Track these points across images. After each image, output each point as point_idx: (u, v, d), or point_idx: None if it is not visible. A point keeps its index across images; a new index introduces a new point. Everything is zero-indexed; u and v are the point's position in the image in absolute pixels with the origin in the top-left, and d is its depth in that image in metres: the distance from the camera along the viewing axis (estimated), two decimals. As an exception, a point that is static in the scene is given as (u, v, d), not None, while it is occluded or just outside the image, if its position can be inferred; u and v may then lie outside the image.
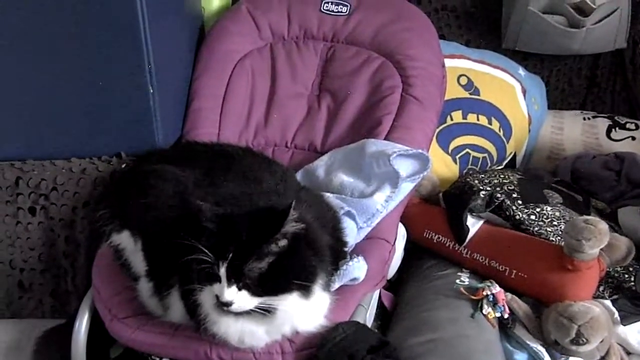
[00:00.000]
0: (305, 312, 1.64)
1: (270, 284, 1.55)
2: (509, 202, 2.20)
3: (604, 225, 1.95)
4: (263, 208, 1.64)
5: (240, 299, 1.54)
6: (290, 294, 1.57)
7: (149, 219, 1.81)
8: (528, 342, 1.94)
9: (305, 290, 1.59)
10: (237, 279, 1.53)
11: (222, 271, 1.52)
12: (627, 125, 2.83)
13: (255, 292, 1.55)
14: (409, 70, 2.38)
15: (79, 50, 2.10)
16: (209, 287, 1.57)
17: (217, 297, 1.55)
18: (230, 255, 1.51)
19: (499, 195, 2.22)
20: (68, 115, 2.20)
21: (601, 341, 1.91)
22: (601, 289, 2.08)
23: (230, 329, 1.62)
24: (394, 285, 2.27)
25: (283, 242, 1.55)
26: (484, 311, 1.95)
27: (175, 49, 2.41)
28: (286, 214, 1.52)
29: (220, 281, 1.54)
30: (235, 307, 1.54)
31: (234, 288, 1.53)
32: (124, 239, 1.89)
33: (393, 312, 2.12)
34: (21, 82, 2.15)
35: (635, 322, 2.01)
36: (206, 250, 1.53)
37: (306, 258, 1.59)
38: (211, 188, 1.83)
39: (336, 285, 1.79)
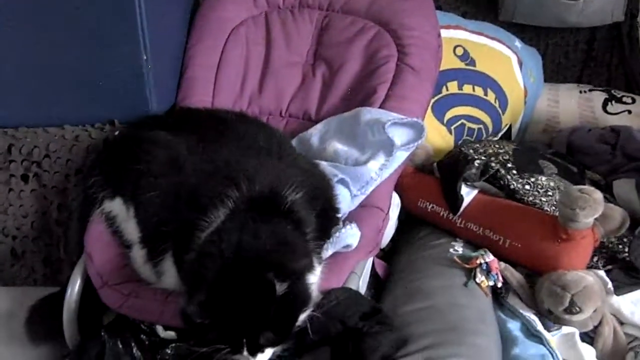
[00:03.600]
0: None
1: (284, 328, 1.53)
2: (503, 172, 2.20)
3: (598, 195, 1.94)
4: (250, 280, 1.51)
5: (266, 356, 1.53)
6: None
7: (142, 186, 1.80)
8: (521, 311, 1.93)
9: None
10: (258, 349, 1.51)
11: (245, 353, 1.50)
12: (624, 99, 2.82)
13: (276, 341, 1.53)
14: (405, 40, 2.37)
15: (71, 18, 2.09)
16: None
17: None
18: (245, 340, 1.48)
19: (493, 164, 2.22)
20: (61, 83, 2.18)
21: (594, 310, 1.91)
22: (595, 259, 2.08)
23: None
24: (388, 255, 2.26)
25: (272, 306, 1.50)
26: (477, 280, 1.94)
27: (169, 16, 2.39)
28: (273, 291, 1.47)
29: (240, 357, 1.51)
30: None
31: (259, 355, 1.51)
32: (117, 206, 1.89)
33: (386, 281, 2.11)
34: (13, 49, 2.13)
35: (629, 292, 2.00)
36: (222, 345, 1.49)
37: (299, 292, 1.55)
38: (205, 154, 1.82)
39: (329, 252, 1.79)
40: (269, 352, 1.52)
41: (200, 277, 1.51)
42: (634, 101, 2.80)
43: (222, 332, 1.48)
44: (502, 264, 2.01)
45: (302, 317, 1.56)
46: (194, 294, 1.47)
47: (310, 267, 1.60)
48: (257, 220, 1.59)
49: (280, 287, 1.46)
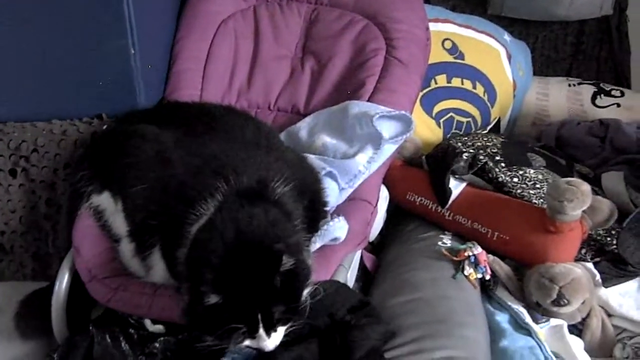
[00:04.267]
0: None
1: (293, 300, 1.53)
2: (491, 165, 2.21)
3: (586, 187, 1.94)
4: (253, 250, 1.51)
5: (279, 336, 1.52)
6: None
7: (130, 179, 1.80)
8: (509, 304, 1.94)
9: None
10: (272, 325, 1.50)
11: (261, 330, 1.48)
12: (612, 92, 2.83)
13: (287, 320, 1.53)
14: (393, 33, 2.37)
15: (59, 12, 2.08)
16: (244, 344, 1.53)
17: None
18: (260, 315, 1.47)
19: (482, 157, 2.22)
20: (49, 77, 2.18)
21: (582, 303, 1.92)
22: (583, 251, 2.08)
23: None
24: (376, 248, 2.27)
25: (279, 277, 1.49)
26: (465, 272, 1.95)
27: (158, 10, 2.39)
28: (279, 260, 1.46)
29: (255, 337, 1.50)
30: (274, 346, 1.53)
31: (272, 334, 1.50)
32: (105, 200, 1.89)
33: (375, 274, 2.12)
34: (1, 44, 2.13)
35: (617, 284, 2.01)
36: (238, 325, 1.47)
37: (302, 265, 1.55)
38: (193, 147, 1.82)
39: (317, 245, 1.80)
40: (281, 331, 1.52)
41: (205, 260, 1.49)
42: (622, 94, 2.82)
43: (236, 309, 1.46)
44: (491, 257, 2.01)
45: (306, 291, 1.55)
46: (202, 275, 1.45)
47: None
48: (248, 208, 1.58)
49: (287, 259, 1.46)
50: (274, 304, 1.47)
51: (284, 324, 1.52)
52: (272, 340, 1.50)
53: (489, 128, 2.71)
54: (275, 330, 1.50)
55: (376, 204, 2.11)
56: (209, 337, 1.51)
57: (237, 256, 1.49)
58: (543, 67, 3.12)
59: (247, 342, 1.50)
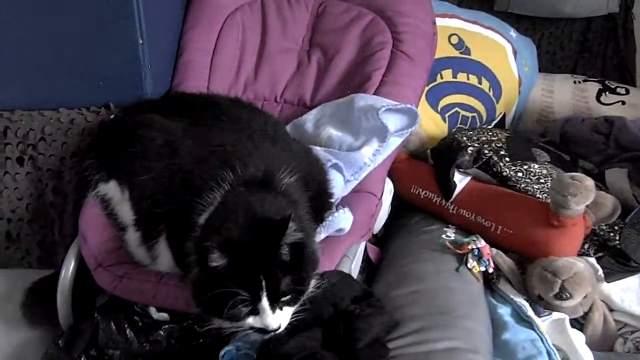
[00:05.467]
0: None
1: (300, 284, 1.53)
2: (496, 159, 2.22)
3: (589, 182, 1.96)
4: (260, 222, 1.52)
5: (284, 317, 1.52)
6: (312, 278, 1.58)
7: (137, 169, 1.81)
8: (512, 297, 1.95)
9: None
10: (277, 300, 1.49)
11: (264, 301, 1.48)
12: (617, 90, 2.83)
13: (294, 300, 1.53)
14: (400, 27, 2.38)
15: (68, 2, 2.09)
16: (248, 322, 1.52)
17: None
18: (264, 282, 1.46)
19: (486, 151, 2.23)
20: (57, 66, 2.19)
21: (585, 297, 1.93)
22: (586, 246, 2.09)
23: None
24: (381, 241, 2.28)
25: (287, 248, 1.50)
26: (468, 265, 1.96)
27: (166, 1, 2.40)
28: (285, 225, 1.46)
29: (259, 313, 1.49)
30: (281, 328, 1.52)
31: (277, 312, 1.50)
32: (111, 189, 1.90)
33: (379, 265, 2.13)
34: (9, 34, 2.14)
35: (619, 279, 2.02)
36: (242, 291, 1.46)
37: (309, 244, 1.58)
38: (200, 137, 1.83)
39: (322, 236, 1.81)
40: (286, 312, 1.52)
41: (214, 228, 1.52)
42: (627, 92, 2.82)
43: (240, 271, 1.45)
44: (494, 250, 2.03)
45: (313, 282, 1.57)
46: (209, 237, 1.46)
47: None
48: (257, 194, 1.60)
49: (294, 231, 1.48)
50: (280, 273, 1.47)
51: (289, 305, 1.52)
52: (276, 318, 1.49)
53: (494, 123, 2.71)
54: (281, 309, 1.50)
55: (381, 197, 2.12)
56: (216, 319, 1.52)
57: (244, 222, 1.50)
58: (548, 63, 3.12)
59: (250, 320, 1.50)
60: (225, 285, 1.44)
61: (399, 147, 2.20)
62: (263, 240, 1.47)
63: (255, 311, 1.48)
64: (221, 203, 1.60)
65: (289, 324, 1.54)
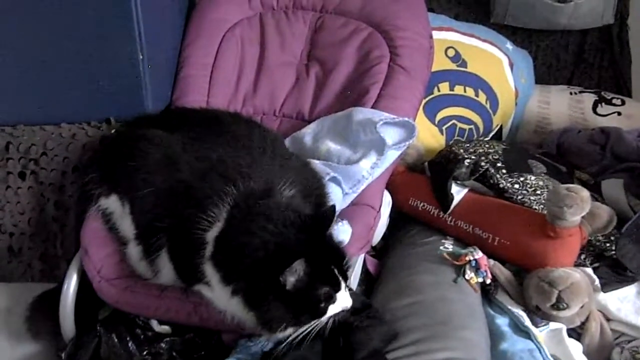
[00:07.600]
0: None
1: (347, 264, 1.60)
2: (493, 171, 2.23)
3: (585, 193, 1.97)
4: (304, 221, 1.60)
5: (348, 298, 1.60)
6: None
7: (138, 183, 1.82)
8: (510, 307, 1.96)
9: None
10: (346, 277, 1.58)
11: (342, 286, 1.56)
12: (613, 101, 2.85)
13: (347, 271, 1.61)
14: (397, 41, 2.40)
15: (69, 16, 2.10)
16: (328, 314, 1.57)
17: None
18: (336, 270, 1.55)
19: (483, 163, 2.24)
20: (58, 81, 2.20)
21: (581, 307, 1.94)
22: (582, 257, 2.10)
23: None
24: (379, 253, 2.29)
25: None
26: (466, 276, 1.98)
27: (166, 17, 2.41)
28: (333, 212, 1.59)
29: (336, 300, 1.57)
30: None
31: (342, 291, 1.58)
32: (112, 203, 1.91)
33: (377, 277, 2.14)
34: (11, 48, 2.15)
35: (615, 289, 2.04)
36: (326, 288, 1.54)
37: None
38: (200, 152, 1.84)
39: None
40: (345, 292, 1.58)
41: (263, 244, 1.55)
42: (623, 103, 2.84)
43: (317, 275, 1.52)
44: (491, 261, 2.04)
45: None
46: (277, 269, 1.49)
47: None
48: (267, 205, 1.64)
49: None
50: (339, 257, 1.57)
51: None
52: (349, 296, 1.57)
53: (490, 135, 2.73)
54: (346, 287, 1.57)
55: (379, 209, 2.13)
56: (289, 328, 1.56)
57: (285, 230, 1.57)
58: (545, 75, 3.14)
59: (330, 311, 1.56)
60: (309, 293, 1.52)
61: (396, 159, 2.21)
62: (315, 235, 1.56)
63: (334, 299, 1.55)
64: (231, 219, 1.62)
65: (290, 337, 1.57)
